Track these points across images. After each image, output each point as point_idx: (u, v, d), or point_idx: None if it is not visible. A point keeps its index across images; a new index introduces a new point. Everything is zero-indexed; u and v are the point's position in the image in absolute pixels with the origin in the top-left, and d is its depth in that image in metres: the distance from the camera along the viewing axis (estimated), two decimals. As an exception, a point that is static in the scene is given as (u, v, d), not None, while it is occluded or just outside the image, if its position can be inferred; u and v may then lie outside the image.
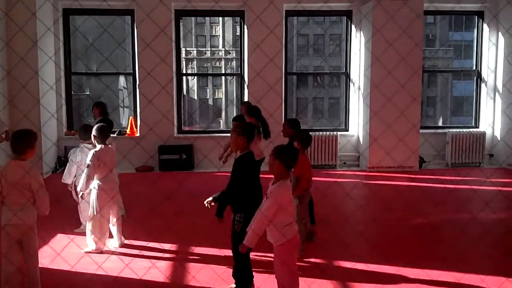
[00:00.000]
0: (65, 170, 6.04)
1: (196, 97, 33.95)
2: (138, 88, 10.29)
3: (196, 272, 4.82)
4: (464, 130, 10.89)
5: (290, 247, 3.66)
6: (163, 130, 9.92)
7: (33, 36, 8.82)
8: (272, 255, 5.11)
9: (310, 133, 5.98)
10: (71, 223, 6.16)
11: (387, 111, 8.88)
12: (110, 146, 5.68)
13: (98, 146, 5.41)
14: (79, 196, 5.64)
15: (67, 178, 6.00)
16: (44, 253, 5.15)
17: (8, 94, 9.08)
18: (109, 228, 5.57)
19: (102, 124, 5.62)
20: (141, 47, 9.92)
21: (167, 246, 5.60)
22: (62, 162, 9.57)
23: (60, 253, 5.05)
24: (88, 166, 5.30)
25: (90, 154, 5.35)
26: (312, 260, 5.18)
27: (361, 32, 10.52)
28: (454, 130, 10.86)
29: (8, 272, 3.93)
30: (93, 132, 5.45)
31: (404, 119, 8.59)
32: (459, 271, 4.82)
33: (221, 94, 34.78)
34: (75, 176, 5.95)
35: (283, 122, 6.58)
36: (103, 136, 5.46)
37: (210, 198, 4.28)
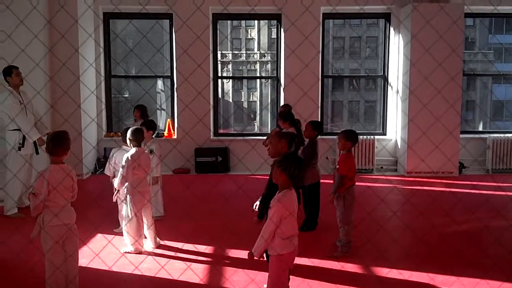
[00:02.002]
0: (106, 164, 6.21)
1: (231, 100, 34.11)
2: (176, 91, 10.41)
3: (231, 275, 4.84)
4: (506, 135, 10.61)
5: (285, 261, 3.62)
6: (200, 133, 10.01)
7: (75, 40, 9.04)
8: (301, 260, 5.13)
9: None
10: (110, 223, 6.28)
11: (425, 115, 8.75)
12: (147, 149, 5.78)
13: (133, 149, 5.49)
14: (115, 194, 5.73)
15: (108, 172, 6.16)
16: (84, 253, 5.26)
17: (50, 97, 9.31)
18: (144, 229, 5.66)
19: (136, 127, 5.70)
20: (179, 51, 10.05)
21: (202, 248, 5.64)
22: (101, 163, 9.76)
23: (99, 253, 5.14)
24: (122, 167, 5.40)
25: (125, 156, 5.45)
26: (345, 266, 5.13)
27: (400, 35, 10.39)
28: (495, 135, 10.59)
29: (53, 271, 4.02)
30: (128, 135, 5.53)
31: (444, 123, 8.44)
32: (496, 279, 4.70)
33: (256, 97, 34.84)
34: (115, 176, 6.07)
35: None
36: (136, 139, 5.55)
37: (258, 202, 4.29)
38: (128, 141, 5.56)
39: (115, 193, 5.74)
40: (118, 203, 5.99)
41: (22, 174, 6.98)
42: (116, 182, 5.54)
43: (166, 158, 8.71)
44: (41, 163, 7.12)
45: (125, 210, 5.56)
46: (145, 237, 5.72)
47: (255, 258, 3.61)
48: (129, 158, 5.40)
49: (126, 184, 5.48)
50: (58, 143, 4.03)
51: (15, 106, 6.88)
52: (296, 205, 3.65)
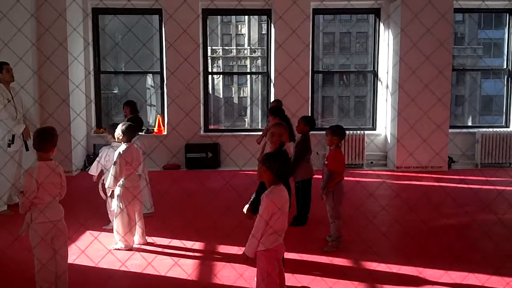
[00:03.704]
0: (93, 163, 6.15)
1: (221, 96, 34.04)
2: (165, 87, 10.37)
3: (219, 270, 4.84)
4: (494, 129, 10.67)
5: (271, 256, 3.64)
6: (190, 129, 9.96)
7: (63, 35, 8.96)
8: (291, 254, 5.14)
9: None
10: (100, 220, 6.25)
11: (415, 110, 8.77)
12: (135, 145, 5.75)
13: (124, 145, 5.46)
14: (108, 195, 5.67)
15: (93, 171, 6.11)
16: (73, 250, 5.23)
17: (37, 93, 9.24)
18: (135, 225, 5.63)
19: (128, 123, 5.66)
20: (168, 46, 10.00)
21: (190, 244, 5.63)
22: (90, 160, 9.70)
23: (88, 249, 5.13)
24: (114, 164, 5.36)
25: (116, 152, 5.42)
26: (335, 260, 5.15)
27: (389, 30, 10.41)
28: (483, 129, 10.65)
29: (40, 269, 4.00)
30: (119, 130, 5.49)
31: (433, 118, 8.47)
32: (484, 273, 4.73)
33: (246, 93, 34.80)
34: (103, 173, 6.05)
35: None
36: (129, 135, 5.51)
37: (247, 206, 4.30)
38: (119, 136, 5.50)
39: (107, 191, 5.68)
40: (107, 200, 5.97)
41: (11, 171, 6.93)
42: (108, 180, 5.48)
43: (156, 154, 8.69)
44: (30, 160, 7.07)
45: (114, 206, 5.53)
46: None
47: (249, 257, 3.62)
48: (121, 154, 5.36)
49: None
50: (45, 139, 4.00)
51: (1, 102, 6.81)
52: (287, 200, 3.64)
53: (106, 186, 5.54)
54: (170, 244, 5.66)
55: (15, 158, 6.97)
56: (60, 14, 8.64)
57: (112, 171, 5.36)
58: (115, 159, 5.36)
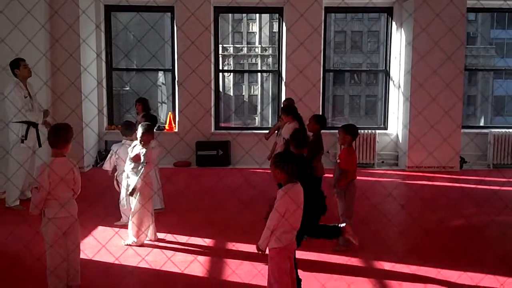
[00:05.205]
0: (106, 159, 6.19)
1: (232, 94, 34.07)
2: (177, 85, 10.37)
3: (236, 267, 4.84)
4: (508, 130, 10.58)
5: (284, 254, 3.66)
6: (201, 126, 9.97)
7: (77, 33, 8.99)
8: (307, 254, 5.13)
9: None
10: (111, 215, 6.27)
11: (428, 110, 8.72)
12: (155, 141, 5.79)
13: (152, 144, 5.50)
14: (128, 193, 5.63)
15: (107, 167, 6.15)
16: (85, 245, 5.25)
17: (51, 90, 9.27)
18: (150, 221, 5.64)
19: (146, 123, 5.64)
20: (181, 44, 10.01)
21: (206, 240, 5.64)
22: (102, 156, 9.75)
23: (99, 245, 5.14)
24: (146, 164, 5.37)
25: (143, 152, 5.41)
26: (351, 259, 5.14)
27: (402, 29, 10.35)
28: (496, 130, 10.57)
29: (55, 263, 4.03)
30: (142, 133, 5.44)
31: (446, 118, 8.43)
32: (502, 275, 4.69)
33: (256, 91, 34.79)
34: (116, 170, 6.07)
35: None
36: (151, 134, 5.53)
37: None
38: (142, 138, 5.49)
39: (129, 190, 5.66)
40: (121, 198, 5.98)
41: (25, 166, 6.97)
42: (136, 180, 5.46)
43: (167, 151, 8.71)
44: (44, 156, 7.11)
45: (133, 202, 5.52)
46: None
47: (262, 250, 3.64)
48: (149, 154, 5.39)
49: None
50: (59, 136, 4.02)
51: (19, 99, 6.85)
52: (302, 198, 3.65)
53: (132, 186, 5.49)
54: (182, 241, 5.66)
55: (28, 153, 7.01)
56: (83, 11, 8.68)
57: (143, 171, 5.37)
58: (142, 160, 5.37)
